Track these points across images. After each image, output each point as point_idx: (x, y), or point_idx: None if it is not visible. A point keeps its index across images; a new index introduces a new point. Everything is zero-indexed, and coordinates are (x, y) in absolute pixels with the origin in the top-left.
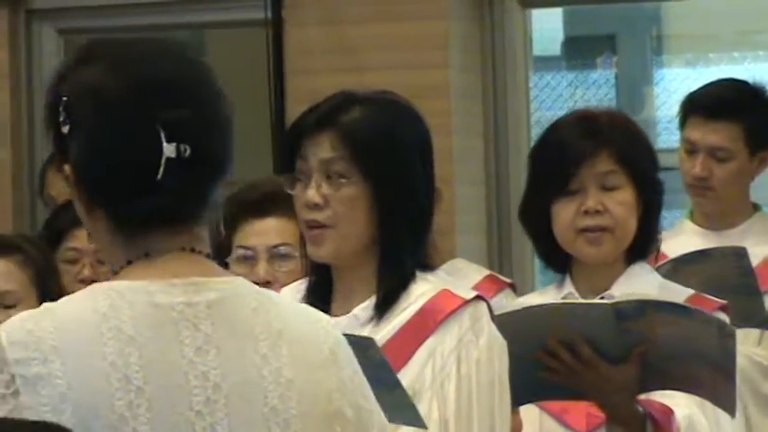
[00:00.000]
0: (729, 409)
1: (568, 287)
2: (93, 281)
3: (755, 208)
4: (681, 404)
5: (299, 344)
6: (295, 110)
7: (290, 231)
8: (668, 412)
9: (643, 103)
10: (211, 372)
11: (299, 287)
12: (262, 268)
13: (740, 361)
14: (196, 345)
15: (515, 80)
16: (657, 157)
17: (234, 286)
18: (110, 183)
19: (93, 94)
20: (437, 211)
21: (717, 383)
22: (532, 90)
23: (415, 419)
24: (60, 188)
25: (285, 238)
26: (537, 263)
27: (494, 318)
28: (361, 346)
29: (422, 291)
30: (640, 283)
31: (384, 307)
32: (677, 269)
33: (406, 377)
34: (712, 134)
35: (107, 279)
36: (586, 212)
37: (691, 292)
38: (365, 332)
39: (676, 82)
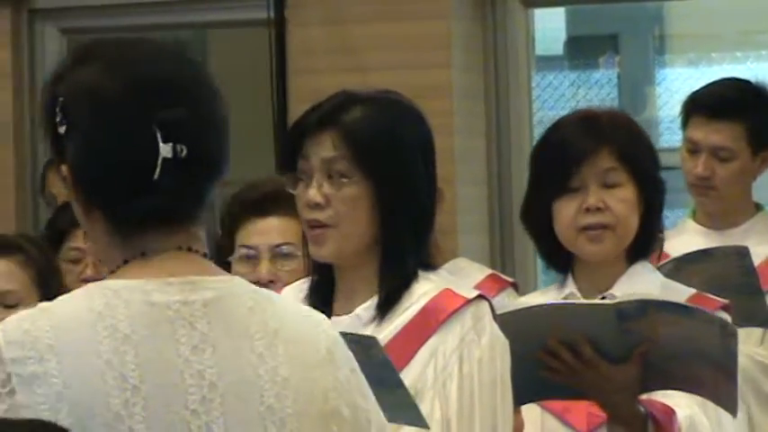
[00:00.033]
0: (731, 408)
1: (570, 287)
2: (97, 280)
3: (758, 207)
4: (682, 404)
5: (296, 343)
6: (297, 109)
7: (293, 231)
8: (670, 412)
9: (645, 103)
10: (207, 370)
11: (302, 286)
12: (264, 267)
13: (742, 360)
14: (192, 343)
15: (518, 80)
16: (659, 156)
17: (230, 285)
18: (107, 183)
19: (90, 94)
20: (439, 210)
21: (719, 383)
22: (535, 90)
23: (417, 419)
24: (61, 186)
25: (287, 237)
26: (539, 262)
27: (496, 317)
28: (363, 345)
29: (424, 290)
30: (642, 282)
31: (386, 307)
32: (679, 268)
33: (408, 377)
34: (715, 134)
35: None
36: (587, 210)
37: (693, 291)
38: (368, 332)
39: (679, 81)
